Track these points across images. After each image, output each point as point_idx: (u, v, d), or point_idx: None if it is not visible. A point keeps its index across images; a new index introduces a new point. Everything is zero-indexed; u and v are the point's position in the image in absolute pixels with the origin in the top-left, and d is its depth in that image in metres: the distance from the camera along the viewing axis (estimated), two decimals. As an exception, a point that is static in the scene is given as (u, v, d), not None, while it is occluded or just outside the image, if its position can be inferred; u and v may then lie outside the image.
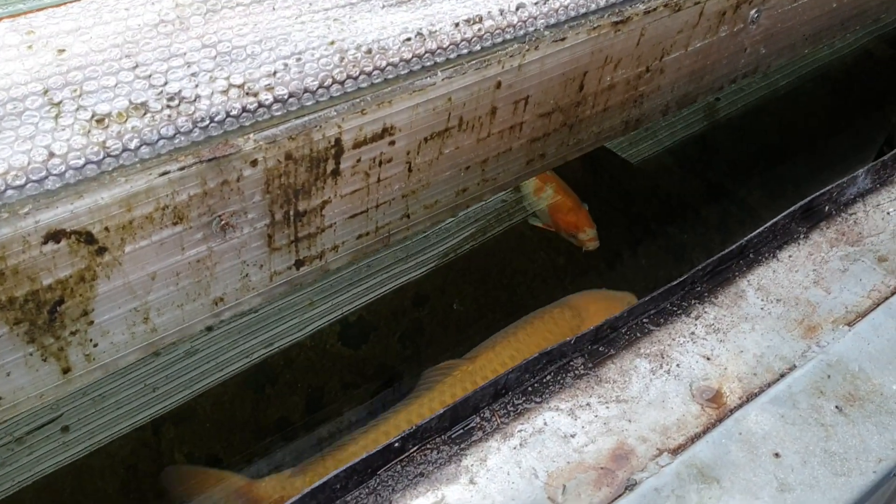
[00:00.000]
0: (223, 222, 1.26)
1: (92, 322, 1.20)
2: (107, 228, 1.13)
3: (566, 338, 1.97)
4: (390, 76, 1.35)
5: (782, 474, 1.33)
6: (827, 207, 1.84)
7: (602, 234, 2.60)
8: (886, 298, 1.63)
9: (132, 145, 1.13)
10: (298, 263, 1.41)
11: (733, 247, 1.67)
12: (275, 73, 1.25)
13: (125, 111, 1.14)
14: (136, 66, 1.20)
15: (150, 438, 2.17)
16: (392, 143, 1.39)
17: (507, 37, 1.46)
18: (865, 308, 1.61)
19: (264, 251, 1.34)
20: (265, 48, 1.27)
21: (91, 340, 1.22)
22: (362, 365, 2.48)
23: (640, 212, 2.92)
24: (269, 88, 1.24)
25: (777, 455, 1.35)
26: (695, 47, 1.79)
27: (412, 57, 1.37)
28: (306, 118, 1.28)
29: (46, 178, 1.08)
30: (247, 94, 1.23)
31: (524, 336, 1.95)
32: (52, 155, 1.09)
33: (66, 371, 1.22)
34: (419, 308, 2.53)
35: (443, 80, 1.39)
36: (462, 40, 1.41)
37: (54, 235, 1.09)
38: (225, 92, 1.21)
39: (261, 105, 1.23)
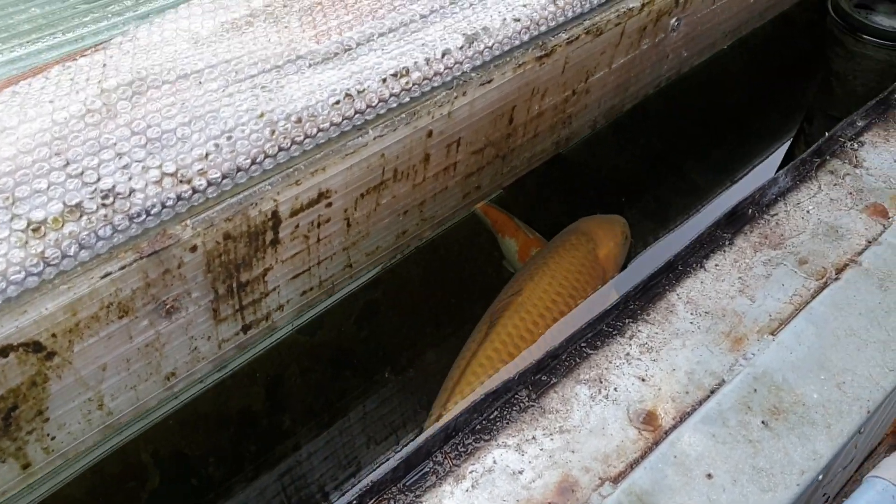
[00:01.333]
0: (168, 306, 1.28)
1: (47, 419, 1.22)
2: (54, 335, 1.15)
3: (587, 263, 2.17)
4: (322, 141, 1.37)
5: (714, 495, 1.43)
6: (750, 210, 1.92)
7: (540, 207, 2.66)
8: (807, 303, 1.72)
9: (71, 251, 1.14)
10: (245, 328, 1.44)
11: (662, 263, 1.75)
12: (207, 155, 1.26)
13: (61, 216, 1.15)
14: (67, 163, 1.20)
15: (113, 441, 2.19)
16: (329, 204, 1.41)
17: (435, 84, 1.48)
18: (787, 315, 1.71)
19: (210, 324, 1.37)
20: (195, 129, 1.28)
21: (48, 435, 1.24)
22: (319, 350, 2.52)
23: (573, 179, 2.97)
24: (202, 173, 1.25)
25: (709, 476, 1.45)
26: (618, 63, 1.83)
27: (342, 120, 1.39)
28: (241, 195, 1.30)
29: (-13, 295, 1.09)
30: (181, 181, 1.24)
31: (555, 265, 2.07)
32: (-10, 271, 1.09)
33: (25, 467, 1.24)
34: (373, 289, 2.57)
35: (374, 138, 1.42)
36: (391, 95, 1.43)
37: (2, 351, 1.11)
38: (158, 182, 1.22)
39: (195, 191, 1.25)
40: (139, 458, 2.22)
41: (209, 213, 1.26)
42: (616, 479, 1.45)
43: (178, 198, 1.22)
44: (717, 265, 1.83)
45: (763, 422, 1.53)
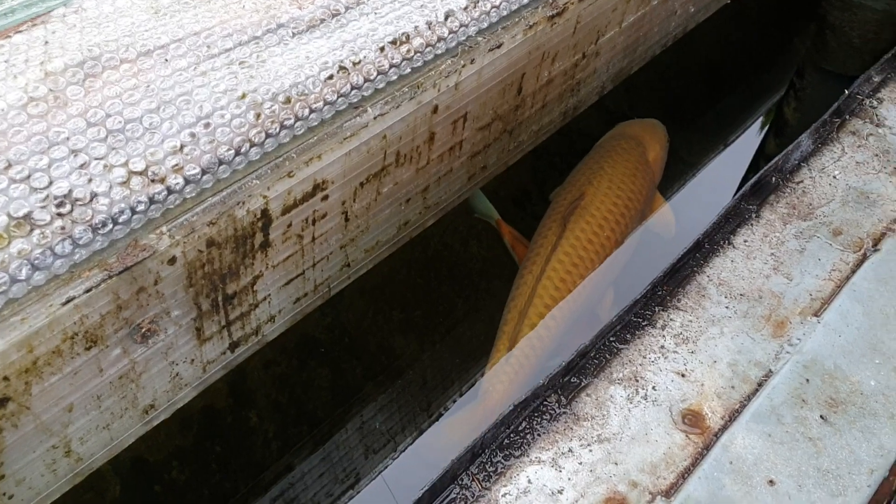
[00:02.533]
0: (143, 329, 1.07)
1: (3, 476, 1.01)
2: (6, 378, 0.93)
3: (640, 167, 2.14)
4: (315, 123, 1.16)
5: (779, 504, 1.27)
6: (774, 179, 1.76)
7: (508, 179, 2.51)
8: (848, 279, 1.57)
9: (22, 274, 0.92)
10: (233, 346, 1.23)
11: (689, 244, 1.58)
12: (181, 147, 1.05)
13: (5, 231, 0.93)
14: (9, 165, 0.97)
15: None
16: (325, 197, 1.21)
17: (439, 52, 1.28)
18: (829, 293, 1.56)
19: (193, 345, 1.16)
20: (165, 117, 1.06)
21: (4, 494, 1.02)
22: (282, 341, 2.35)
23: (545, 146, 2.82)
24: (178, 169, 1.04)
25: (771, 482, 1.29)
26: (629, 22, 1.65)
27: (337, 97, 1.18)
28: (225, 193, 1.08)
29: (-82, 336, 0.87)
30: (152, 180, 1.02)
31: (610, 170, 2.08)
32: (-81, 305, 0.87)
33: (-21, 533, 1.03)
34: None
35: (375, 117, 1.21)
36: (390, 67, 1.22)
37: (-59, 404, 0.89)
38: (125, 183, 1.00)
39: (170, 191, 1.03)
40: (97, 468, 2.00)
41: (188, 216, 1.05)
42: (668, 493, 1.29)
43: (151, 200, 1.01)
44: (746, 241, 1.67)
45: (821, 416, 1.38)
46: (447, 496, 1.27)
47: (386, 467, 2.03)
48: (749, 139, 2.99)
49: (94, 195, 0.98)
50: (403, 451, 2.06)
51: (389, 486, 2.01)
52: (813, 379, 1.42)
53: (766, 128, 2.83)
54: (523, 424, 1.36)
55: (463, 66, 1.29)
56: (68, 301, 0.94)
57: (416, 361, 2.31)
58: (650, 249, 2.24)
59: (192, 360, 1.17)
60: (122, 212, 0.98)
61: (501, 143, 1.51)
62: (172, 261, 1.03)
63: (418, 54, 1.25)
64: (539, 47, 1.43)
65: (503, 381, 1.79)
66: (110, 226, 0.98)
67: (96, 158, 1.00)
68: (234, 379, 2.22)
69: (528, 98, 1.50)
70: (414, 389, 2.25)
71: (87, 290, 0.96)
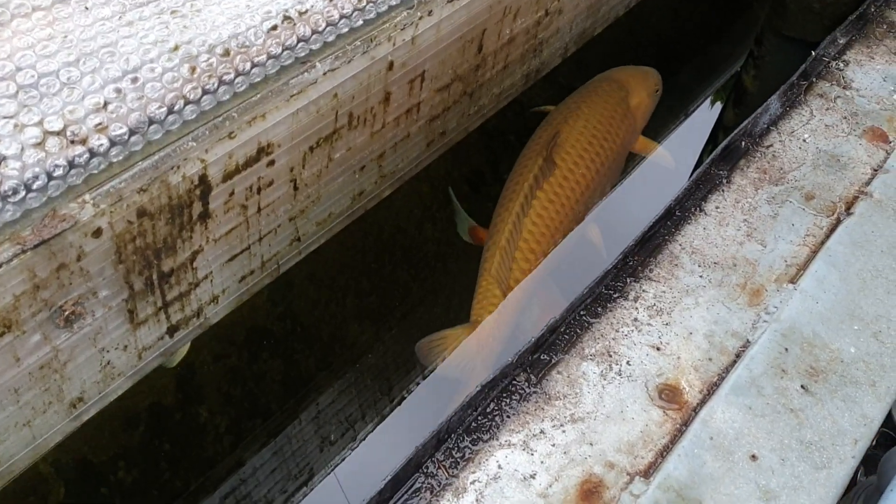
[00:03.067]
0: (67, 312, 0.95)
1: None
2: None
3: (619, 111, 2.13)
4: (257, 79, 1.05)
5: (763, 480, 1.20)
6: (744, 143, 1.69)
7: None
8: (823, 244, 1.51)
9: (-84, 249, 0.80)
10: (172, 330, 1.12)
11: (659, 211, 1.50)
12: (105, 104, 0.93)
13: None
14: None
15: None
16: (271, 163, 1.10)
17: (394, 2, 1.17)
18: (804, 258, 1.49)
19: (126, 329, 1.04)
20: (86, 70, 0.94)
21: None
22: (231, 332, 2.23)
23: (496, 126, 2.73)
24: (101, 128, 0.91)
25: (754, 457, 1.22)
26: (592, -23, 1.56)
27: (282, 50, 1.06)
28: (157, 157, 0.96)
29: None
30: (72, 141, 0.90)
31: (588, 109, 2.08)
32: None
33: None
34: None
35: (324, 73, 1.10)
36: (341, 17, 1.11)
37: None
38: (40, 144, 0.88)
39: (93, 153, 0.91)
40: (38, 470, 1.89)
41: (115, 182, 0.93)
42: (647, 473, 1.21)
43: (71, 164, 0.89)
44: (717, 208, 1.59)
45: (802, 386, 1.32)
46: (411, 486, 1.18)
47: (343, 459, 1.93)
48: (707, 111, 2.93)
49: (2, 158, 0.85)
50: (363, 439, 1.96)
51: (352, 475, 1.91)
52: (792, 348, 1.36)
53: (726, 98, 2.78)
54: (491, 406, 1.27)
55: (420, 19, 1.19)
56: (-26, 280, 0.82)
57: (372, 348, 2.21)
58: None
59: (126, 346, 1.05)
60: (36, 177, 0.86)
61: (461, 106, 1.42)
62: (98, 233, 0.91)
63: (371, 4, 1.14)
64: (501, 1, 1.33)
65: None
66: (23, 193, 0.85)
67: (5, 117, 0.87)
68: (183, 373, 2.10)
69: (490, 57, 1.40)
70: (372, 375, 2.16)
71: (-3, 267, 0.83)
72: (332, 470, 1.92)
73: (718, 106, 2.92)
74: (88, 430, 1.91)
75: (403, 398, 2.01)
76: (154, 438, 1.98)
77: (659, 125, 2.74)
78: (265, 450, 2.01)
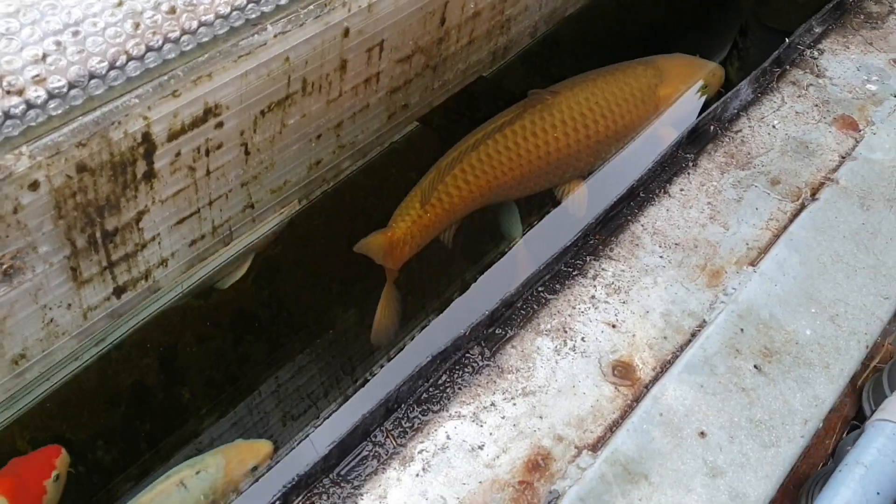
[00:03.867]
0: (5, 266, 0.94)
1: None
2: None
3: (640, 95, 2.07)
4: (205, 39, 1.04)
5: (711, 457, 1.20)
6: (713, 127, 1.69)
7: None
8: (786, 228, 1.51)
9: None
10: (119, 291, 1.11)
11: (622, 190, 1.50)
12: (44, 56, 0.92)
13: None
14: None
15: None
16: (219, 125, 1.09)
17: (349, -30, 1.17)
18: (766, 242, 1.49)
19: (69, 287, 1.04)
20: (25, 22, 0.93)
21: None
22: (216, 315, 2.21)
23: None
24: (39, 80, 0.91)
25: (702, 434, 1.22)
26: (561, -47, 1.55)
27: (231, 10, 1.05)
28: (98, 112, 0.96)
29: None
30: (8, 92, 0.89)
31: (602, 83, 2.01)
32: None
33: None
34: (272, 244, 2.26)
35: (275, 35, 1.09)
36: (293, -19, 1.11)
37: None
38: (-26, 94, 0.87)
39: (30, 105, 0.90)
40: (14, 447, 1.86)
41: (54, 136, 0.92)
42: (595, 447, 1.21)
43: (6, 115, 0.88)
44: (682, 190, 1.59)
45: (755, 366, 1.31)
46: (358, 453, 1.17)
47: (307, 435, 1.92)
48: (691, 102, 2.92)
49: (-65, 106, 0.85)
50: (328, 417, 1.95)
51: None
52: (748, 328, 1.36)
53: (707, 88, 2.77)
54: (443, 378, 1.26)
55: (376, -14, 1.18)
56: None
57: (356, 332, 2.19)
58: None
59: (70, 304, 1.05)
60: (-31, 126, 0.86)
61: (424, 79, 1.41)
62: (35, 185, 0.91)
63: (325, -30, 1.14)
64: (462, -27, 1.32)
65: (408, 220, 1.81)
66: (-45, 141, 0.85)
67: (-60, 65, 0.87)
68: (166, 355, 2.08)
69: (453, 31, 1.39)
70: (345, 356, 2.15)
71: (-74, 214, 0.83)
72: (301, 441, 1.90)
73: (703, 98, 2.91)
74: (68, 408, 1.90)
75: (367, 380, 2.00)
76: (135, 419, 1.96)
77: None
78: (234, 427, 1.99)
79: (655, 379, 1.28)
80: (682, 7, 3.13)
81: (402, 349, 1.77)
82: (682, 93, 2.18)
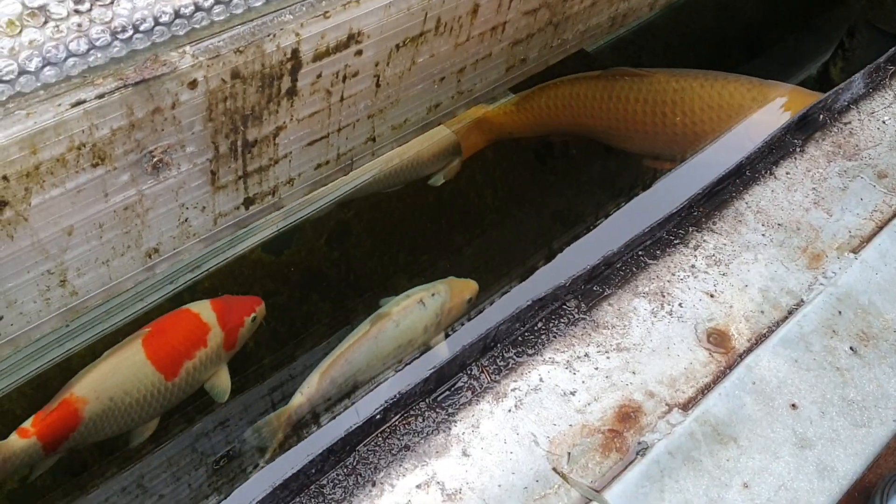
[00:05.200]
0: (155, 159, 1.00)
1: (-7, 292, 0.94)
2: (5, 178, 0.86)
3: (734, 105, 2.07)
4: (357, -33, 1.08)
5: (801, 428, 1.21)
6: (822, 116, 1.68)
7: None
8: (889, 220, 1.50)
9: (31, 66, 0.85)
10: (248, 202, 1.17)
11: (730, 166, 1.50)
12: (214, -36, 0.97)
13: (18, 18, 0.86)
14: (28, -46, 0.90)
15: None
16: (359, 52, 1.13)
17: (494, -84, 1.20)
18: (869, 232, 1.48)
19: (207, 191, 1.09)
20: (200, -69, 0.98)
21: (-7, 313, 0.96)
22: (285, 270, 2.27)
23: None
24: (209, -14, 0.96)
25: (794, 406, 1.23)
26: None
27: (383, -57, 1.10)
28: (256, 22, 1.01)
29: (-86, 113, 0.80)
30: (180, -7, 0.95)
31: (698, 86, 2.02)
32: (-81, 81, 0.80)
33: (-37, 352, 0.97)
34: (346, 209, 2.31)
35: (420, -29, 1.13)
36: (442, -78, 1.14)
37: (-68, 191, 0.82)
38: (151, -9, 0.93)
39: (198, 8, 0.96)
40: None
41: (215, 40, 0.97)
42: (686, 406, 1.23)
43: (176, 14, 0.94)
44: (788, 173, 1.59)
45: (851, 348, 1.31)
46: (454, 384, 1.21)
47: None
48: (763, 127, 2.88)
49: (116, -3, 0.90)
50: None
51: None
52: (845, 312, 1.35)
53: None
54: (540, 325, 1.29)
55: (517, -65, 1.21)
56: (78, 104, 0.88)
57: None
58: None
59: (204, 207, 1.11)
60: (144, 20, 0.91)
61: (545, 36, 1.43)
62: (193, 84, 0.96)
63: (472, -86, 1.17)
64: (597, -67, 1.34)
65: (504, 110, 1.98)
66: (130, 32, 0.90)
67: (122, -39, 0.93)
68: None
69: (580, -10, 1.41)
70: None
71: (100, 97, 0.89)
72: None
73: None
74: (147, 278, 1.97)
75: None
76: None
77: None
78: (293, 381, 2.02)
79: (750, 349, 1.29)
80: (784, 6, 3.10)
81: (505, 293, 1.80)
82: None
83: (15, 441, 1.45)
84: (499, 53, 1.37)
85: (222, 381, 1.72)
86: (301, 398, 1.66)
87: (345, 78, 1.15)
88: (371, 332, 1.70)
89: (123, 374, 1.53)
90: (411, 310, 1.67)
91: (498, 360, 1.25)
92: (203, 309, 1.61)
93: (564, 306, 1.32)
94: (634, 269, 1.40)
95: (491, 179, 2.60)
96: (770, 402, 1.25)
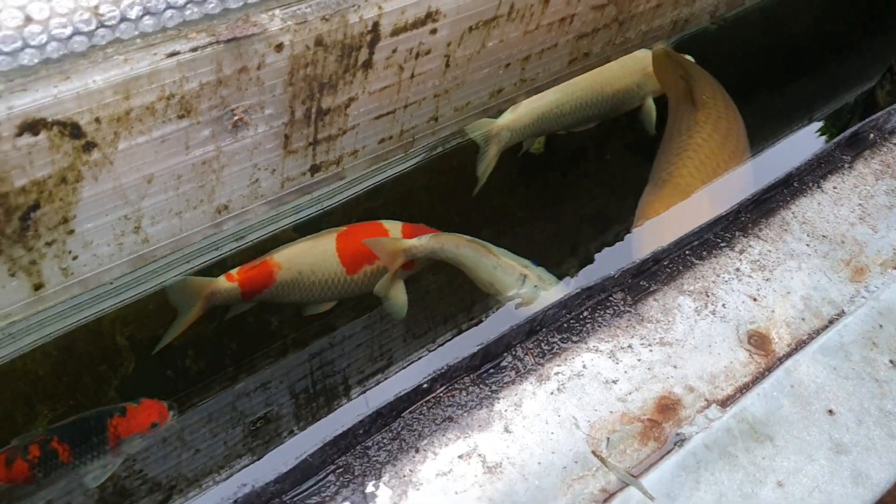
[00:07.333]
0: (236, 118, 1.03)
1: (72, 231, 0.98)
2: (98, 120, 0.90)
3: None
4: (440, -53, 1.12)
5: (837, 434, 1.22)
6: (872, 135, 1.69)
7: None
8: (935, 241, 1.51)
9: (132, 13, 0.89)
10: (314, 169, 1.20)
11: (779, 176, 1.52)
12: (308, -68, 1.01)
13: (123, -32, 0.89)
14: None
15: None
16: (434, 31, 1.16)
17: None
18: (914, 251, 1.49)
19: (278, 154, 1.12)
20: None
21: (70, 252, 1.00)
22: None
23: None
24: (301, -48, 1.00)
25: (831, 412, 1.24)
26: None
27: (467, -74, 1.13)
28: (342, -7, 1.04)
29: (22, 49, 0.84)
30: (273, -43, 0.98)
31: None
32: (28, 20, 0.84)
33: (38, 287, 1.00)
34: (374, 197, 2.32)
35: (500, -44, 1.16)
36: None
37: (32, 126, 0.85)
38: (247, -47, 0.96)
39: (290, -26, 0.99)
40: (113, 340, 1.98)
41: (304, 6, 1.00)
42: (724, 403, 1.25)
43: (269, -23, 0.97)
44: (835, 188, 1.61)
45: (891, 361, 1.33)
46: (499, 362, 1.24)
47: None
48: (830, 124, 2.89)
49: (215, -44, 0.94)
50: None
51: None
52: (887, 326, 1.37)
53: (853, 113, 2.75)
54: (585, 313, 1.32)
55: (595, -70, 1.24)
56: (172, 55, 0.91)
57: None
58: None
59: (274, 170, 1.14)
60: (240, -20, 0.94)
61: (610, 32, 1.46)
62: (280, 47, 0.99)
63: None
64: (670, -64, 1.37)
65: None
66: (227, -9, 0.94)
67: (223, -78, 0.96)
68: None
69: (646, -9, 1.44)
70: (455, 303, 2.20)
71: (193, 50, 0.92)
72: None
73: (842, 119, 2.88)
74: (166, 313, 2.01)
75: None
76: (224, 336, 2.05)
77: (778, 132, 2.72)
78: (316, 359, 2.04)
79: (789, 354, 1.31)
80: (833, 27, 3.11)
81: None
82: None
83: (222, 282, 1.84)
84: (564, 45, 1.40)
85: (399, 295, 1.91)
86: None
87: (417, 55, 1.18)
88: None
89: (314, 256, 1.85)
90: (509, 274, 1.69)
91: (543, 344, 1.28)
92: (393, 227, 1.90)
93: (611, 298, 1.34)
94: (681, 267, 1.42)
95: (523, 179, 2.60)
96: (807, 405, 1.26)
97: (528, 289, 1.66)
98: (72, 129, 0.88)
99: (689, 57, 2.16)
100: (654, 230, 1.81)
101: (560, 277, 1.82)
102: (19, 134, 0.85)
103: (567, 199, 2.48)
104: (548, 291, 1.67)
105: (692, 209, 1.85)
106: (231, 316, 1.95)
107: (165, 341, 1.86)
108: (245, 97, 1.02)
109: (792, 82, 2.95)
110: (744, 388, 1.27)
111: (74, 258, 1.01)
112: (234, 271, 1.85)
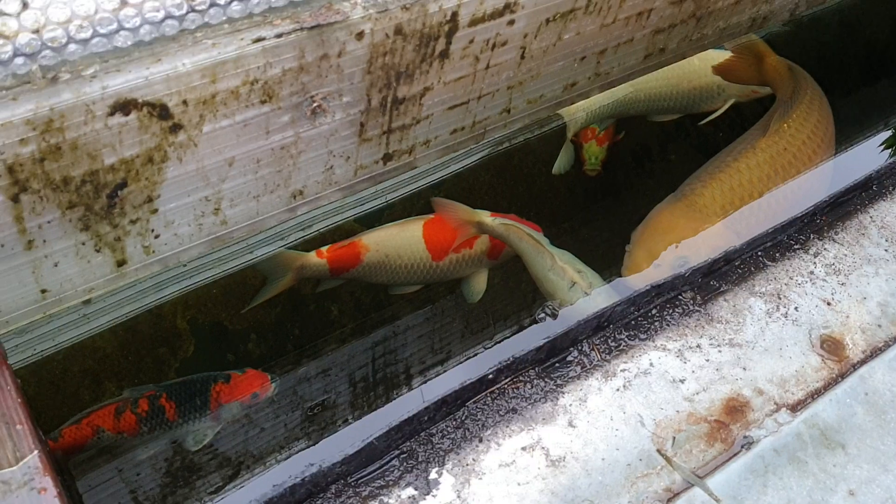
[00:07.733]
0: (315, 104, 1.05)
1: (156, 210, 1.01)
2: (185, 102, 0.92)
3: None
4: (522, -62, 1.11)
5: (913, 445, 1.19)
6: (958, 140, 1.64)
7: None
8: None
9: None
10: (386, 157, 1.21)
11: (857, 178, 1.48)
12: (392, -77, 1.02)
13: (213, -45, 0.92)
14: None
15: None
16: (511, 22, 1.16)
17: None
18: None
19: (353, 141, 1.14)
20: None
21: (153, 231, 1.03)
22: None
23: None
24: (385, -58, 1.01)
25: (907, 423, 1.21)
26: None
27: (548, -81, 1.12)
28: (423, -16, 1.05)
29: (117, 32, 0.87)
30: (358, -54, 0.99)
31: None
32: (124, 3, 0.87)
33: (120, 264, 1.03)
34: (437, 189, 2.33)
35: (581, -52, 1.16)
36: None
37: (123, 106, 0.88)
38: (332, -58, 0.98)
39: (373, -37, 1.00)
40: (175, 324, 2.02)
41: (384, -5, 1.01)
42: (795, 407, 1.22)
43: (353, -35, 0.98)
44: (916, 193, 1.56)
45: (972, 373, 1.29)
46: (564, 356, 1.23)
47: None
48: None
49: (301, -55, 0.95)
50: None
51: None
52: (968, 337, 1.32)
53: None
54: (654, 311, 1.30)
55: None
56: (258, 40, 0.93)
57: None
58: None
59: (348, 157, 1.15)
60: (325, -32, 0.96)
61: (687, 28, 1.44)
62: (360, 35, 1.01)
63: None
64: (753, -69, 1.34)
65: None
66: (312, -21, 0.95)
67: (310, -89, 0.98)
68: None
69: (726, -13, 1.41)
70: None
71: (278, 36, 0.94)
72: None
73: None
74: (231, 298, 2.04)
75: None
76: (287, 321, 2.08)
77: (852, 132, 2.65)
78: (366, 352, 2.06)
79: (864, 361, 1.28)
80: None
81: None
82: None
83: (312, 257, 1.93)
84: (640, 39, 1.39)
85: (479, 283, 2.00)
86: None
87: (494, 46, 1.18)
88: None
89: (401, 241, 1.94)
90: (560, 278, 1.73)
91: (609, 341, 1.27)
92: (482, 214, 1.94)
93: (680, 296, 1.32)
94: (753, 268, 1.40)
95: (582, 179, 2.57)
96: (883, 414, 1.23)
97: (576, 295, 1.68)
98: (160, 111, 0.91)
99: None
100: (651, 237, 1.80)
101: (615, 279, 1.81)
102: (111, 113, 0.88)
103: (629, 199, 2.46)
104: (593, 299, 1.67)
105: (695, 230, 1.79)
106: (322, 290, 2.03)
107: (255, 303, 1.95)
108: (324, 84, 1.03)
109: (864, 85, 2.87)
110: (815, 394, 1.24)
111: (156, 237, 1.04)
112: (324, 248, 1.93)
